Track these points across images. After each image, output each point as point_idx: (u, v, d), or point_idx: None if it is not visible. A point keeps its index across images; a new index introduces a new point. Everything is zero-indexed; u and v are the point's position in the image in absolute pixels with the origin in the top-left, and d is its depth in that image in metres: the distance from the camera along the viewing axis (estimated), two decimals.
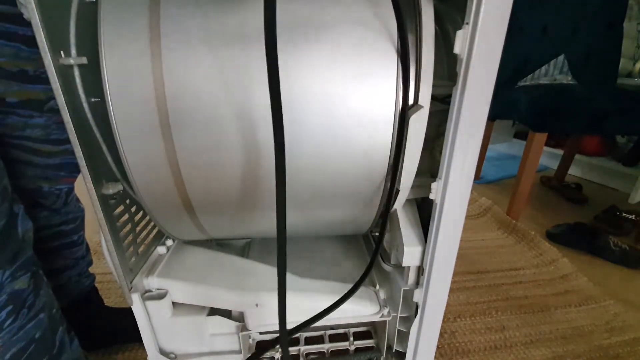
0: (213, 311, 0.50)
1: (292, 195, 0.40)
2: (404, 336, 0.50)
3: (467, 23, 0.32)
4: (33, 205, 0.58)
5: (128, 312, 0.46)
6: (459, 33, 0.32)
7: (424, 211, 0.46)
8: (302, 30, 0.34)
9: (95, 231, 0.68)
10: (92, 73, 0.34)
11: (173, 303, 0.49)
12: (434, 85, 0.36)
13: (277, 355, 0.55)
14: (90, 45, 0.33)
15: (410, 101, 0.37)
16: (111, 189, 0.40)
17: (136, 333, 0.48)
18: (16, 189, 0.55)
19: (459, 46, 0.33)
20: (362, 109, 0.36)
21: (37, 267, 0.49)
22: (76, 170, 0.61)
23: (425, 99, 0.36)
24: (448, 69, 0.42)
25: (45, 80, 0.51)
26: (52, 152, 0.57)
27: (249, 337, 0.55)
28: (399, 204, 0.45)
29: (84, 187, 0.38)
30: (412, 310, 0.48)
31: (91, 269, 0.72)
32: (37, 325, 0.46)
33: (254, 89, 0.34)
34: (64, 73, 0.33)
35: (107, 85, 0.33)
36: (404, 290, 0.47)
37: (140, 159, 0.36)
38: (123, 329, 0.70)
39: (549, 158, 1.84)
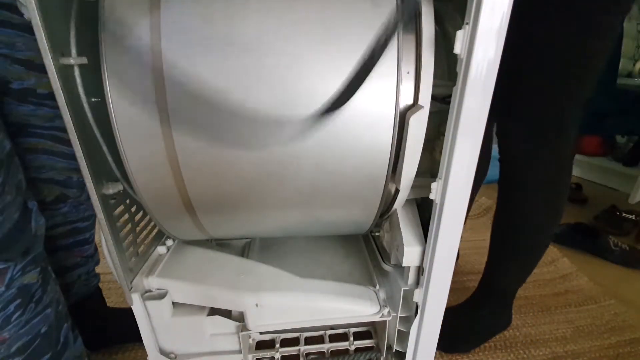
0: (213, 311, 0.50)
1: (293, 194, 0.40)
2: (404, 336, 0.50)
3: (467, 23, 0.32)
4: (57, 200, 0.59)
5: (129, 312, 0.46)
6: (459, 33, 0.32)
7: (424, 211, 0.46)
8: (304, 29, 0.34)
9: (96, 231, 0.69)
10: (93, 73, 0.34)
11: (173, 303, 0.49)
12: (433, 85, 0.36)
13: (277, 355, 0.55)
14: (90, 45, 0.33)
15: (411, 101, 0.37)
16: (111, 189, 0.40)
17: (137, 333, 0.48)
18: (47, 181, 0.57)
19: (459, 46, 0.33)
20: (362, 108, 0.36)
21: (46, 263, 0.50)
22: None
23: (425, 99, 0.36)
24: (448, 69, 0.42)
25: None
26: None
27: (249, 337, 0.55)
28: (398, 204, 0.45)
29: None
30: (412, 310, 0.48)
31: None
32: (44, 320, 0.47)
33: (256, 88, 0.34)
34: (65, 73, 0.33)
35: (108, 85, 0.33)
36: (404, 290, 0.47)
37: (141, 159, 0.36)
38: (124, 329, 0.70)
39: None
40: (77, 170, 0.58)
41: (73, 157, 0.57)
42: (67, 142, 0.55)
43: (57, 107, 0.52)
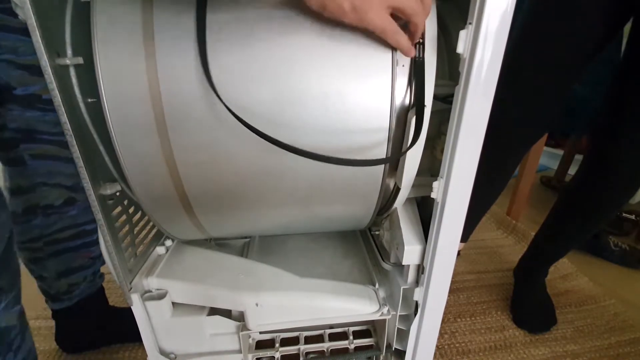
0: (213, 311, 0.50)
1: (290, 190, 0.40)
2: (403, 334, 0.50)
3: (470, 23, 0.31)
4: (65, 204, 0.59)
5: (130, 312, 0.46)
6: (462, 33, 0.32)
7: (424, 210, 0.46)
8: (300, 24, 0.34)
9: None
10: (89, 73, 0.34)
11: (173, 303, 0.49)
12: (435, 85, 0.36)
13: (277, 354, 0.55)
14: (86, 45, 0.33)
15: (412, 100, 0.36)
16: (109, 189, 0.39)
17: (138, 333, 0.48)
18: (55, 186, 0.57)
19: (462, 46, 0.33)
20: (360, 105, 0.35)
21: (23, 308, 0.44)
22: None
23: (427, 98, 0.36)
24: (450, 69, 0.42)
25: None
26: None
27: (249, 336, 0.55)
28: (399, 203, 0.44)
29: None
30: (412, 309, 0.48)
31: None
32: None
33: (251, 85, 0.34)
34: (61, 73, 0.33)
35: (102, 85, 0.33)
36: (403, 288, 0.47)
37: (137, 158, 0.36)
38: (125, 328, 0.70)
39: (549, 158, 1.84)
40: None
41: None
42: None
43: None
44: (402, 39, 0.33)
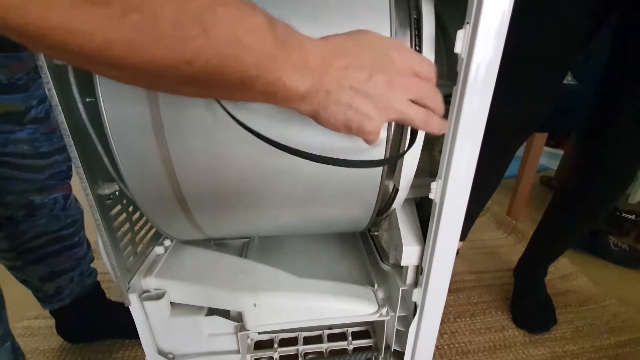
0: (211, 311, 0.50)
1: (288, 191, 0.40)
2: (402, 336, 0.50)
3: (467, 23, 0.31)
4: (29, 215, 0.57)
5: (128, 309, 0.46)
6: (460, 33, 0.32)
7: (423, 211, 0.46)
8: (299, 22, 0.33)
9: (93, 230, 0.69)
10: (87, 73, 0.34)
11: (171, 303, 0.49)
12: None
13: (276, 355, 0.55)
14: None
15: None
16: (107, 189, 0.39)
17: (136, 329, 0.48)
18: (5, 206, 0.54)
19: (460, 46, 0.32)
20: None
21: (14, 339, 0.43)
22: (67, 177, 0.60)
23: None
24: (448, 69, 0.42)
25: (22, 89, 0.48)
26: (41, 166, 0.55)
27: (248, 337, 0.55)
28: (397, 204, 0.44)
29: (81, 187, 0.37)
30: (411, 310, 0.48)
31: (92, 266, 0.72)
32: None
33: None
34: (58, 73, 0.33)
35: (98, 84, 0.32)
36: (402, 289, 0.47)
37: (134, 159, 0.36)
38: (124, 324, 0.70)
39: (549, 158, 1.83)
40: (39, 191, 0.56)
41: (32, 181, 0.54)
42: (24, 168, 0.53)
43: (7, 132, 0.49)
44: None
